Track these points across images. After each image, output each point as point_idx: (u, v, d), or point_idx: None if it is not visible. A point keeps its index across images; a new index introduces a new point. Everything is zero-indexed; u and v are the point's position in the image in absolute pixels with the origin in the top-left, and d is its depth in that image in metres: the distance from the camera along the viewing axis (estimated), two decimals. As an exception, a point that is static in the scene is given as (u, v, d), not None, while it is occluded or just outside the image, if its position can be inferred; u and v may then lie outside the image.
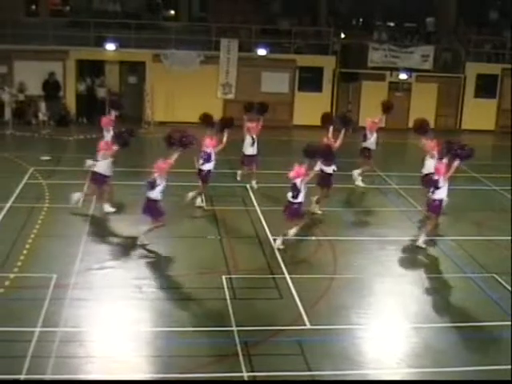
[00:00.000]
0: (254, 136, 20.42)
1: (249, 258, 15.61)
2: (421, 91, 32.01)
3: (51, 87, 29.56)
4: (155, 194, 15.48)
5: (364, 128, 21.82)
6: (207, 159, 18.36)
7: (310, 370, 11.00)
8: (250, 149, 20.49)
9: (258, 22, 32.32)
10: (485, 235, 17.72)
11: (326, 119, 19.77)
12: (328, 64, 31.42)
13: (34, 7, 34.20)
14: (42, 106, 29.20)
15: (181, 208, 18.12)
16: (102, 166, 17.57)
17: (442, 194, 16.25)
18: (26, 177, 20.71)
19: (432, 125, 31.43)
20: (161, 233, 16.05)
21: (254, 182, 20.65)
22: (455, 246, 16.79)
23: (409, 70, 31.73)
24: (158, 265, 14.99)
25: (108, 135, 19.81)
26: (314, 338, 12.11)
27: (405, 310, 13.47)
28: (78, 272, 14.15)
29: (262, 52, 30.66)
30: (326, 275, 14.84)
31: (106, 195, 18.02)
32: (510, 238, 17.33)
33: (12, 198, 18.63)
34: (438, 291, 14.43)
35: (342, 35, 32.99)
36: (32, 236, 16.02)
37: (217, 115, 29.92)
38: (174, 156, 15.82)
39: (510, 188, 21.61)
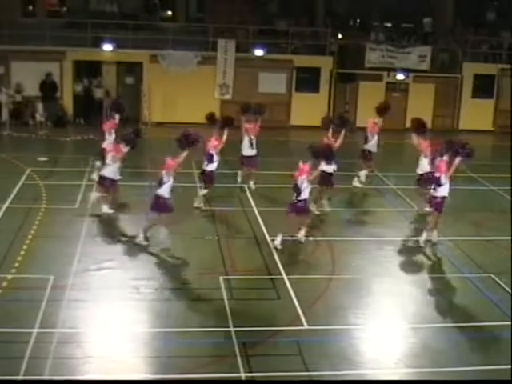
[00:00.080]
0: (253, 137, 20.39)
1: (246, 259, 15.61)
2: (418, 91, 32.03)
3: (48, 88, 29.54)
4: (162, 190, 15.58)
5: (361, 128, 21.82)
6: (210, 160, 18.45)
7: (307, 371, 11.00)
8: (248, 150, 20.46)
9: (255, 23, 32.30)
10: (483, 235, 17.72)
11: (326, 123, 19.76)
12: (325, 64, 31.42)
13: (30, 8, 34.13)
14: (39, 106, 29.19)
15: (178, 208, 18.08)
16: (111, 169, 17.55)
17: (444, 191, 16.33)
18: (24, 178, 20.68)
19: (429, 125, 31.57)
20: (158, 233, 16.05)
21: (251, 183, 20.64)
22: (453, 246, 16.79)
23: (406, 71, 31.74)
24: (156, 265, 14.97)
25: (110, 138, 19.69)
26: (312, 338, 12.11)
27: (403, 310, 13.48)
28: (75, 273, 14.14)
29: (259, 52, 30.65)
30: (323, 275, 14.84)
31: (109, 197, 17.99)
32: (508, 238, 17.35)
33: (9, 199, 18.60)
34: (436, 291, 14.44)
35: (339, 36, 33.02)
36: (29, 237, 15.99)
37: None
38: (183, 155, 15.96)
39: (508, 188, 21.62)
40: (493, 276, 14.98)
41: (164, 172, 15.55)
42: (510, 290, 14.28)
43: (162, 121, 29.56)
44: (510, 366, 11.20)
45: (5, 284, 13.49)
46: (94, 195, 17.99)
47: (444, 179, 16.19)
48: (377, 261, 15.85)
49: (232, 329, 12.11)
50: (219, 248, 16.04)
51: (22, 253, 15.02)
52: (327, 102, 31.61)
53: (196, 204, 18.63)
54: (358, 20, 38.23)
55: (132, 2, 35.21)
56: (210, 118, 19.37)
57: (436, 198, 16.41)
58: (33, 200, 18.67)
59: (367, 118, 22.79)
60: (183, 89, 29.94)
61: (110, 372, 10.63)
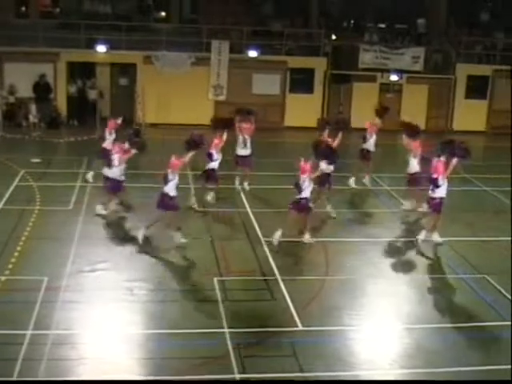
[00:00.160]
0: (247, 136, 20.38)
1: (241, 260, 15.60)
2: (412, 92, 32.07)
3: (42, 89, 29.48)
4: (168, 188, 15.70)
5: (356, 129, 21.84)
6: (210, 158, 18.64)
7: (302, 372, 10.99)
8: (242, 150, 20.44)
9: (249, 24, 32.27)
10: (477, 236, 17.74)
11: (322, 124, 19.79)
12: (319, 65, 31.43)
13: (23, 9, 34.01)
14: (33, 108, 29.11)
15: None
16: (117, 171, 17.54)
17: (442, 192, 16.37)
18: (17, 179, 20.63)
19: (423, 126, 31.61)
20: (152, 234, 16.05)
21: (246, 184, 20.63)
22: (447, 246, 16.80)
23: (400, 72, 31.75)
24: (150, 267, 14.95)
25: (110, 138, 19.80)
26: (307, 339, 12.12)
27: (397, 310, 13.48)
28: (69, 274, 14.11)
29: (253, 54, 30.63)
30: (318, 276, 14.84)
31: (103, 199, 17.97)
32: (502, 238, 17.41)
33: (3, 201, 18.56)
34: (430, 292, 14.46)
35: (333, 37, 33.01)
36: (23, 238, 15.96)
37: (208, 117, 30.03)
38: (189, 155, 16.14)
39: (501, 189, 21.69)
40: (487, 277, 15.00)
41: (169, 170, 15.66)
42: (503, 291, 14.30)
43: (155, 122, 29.53)
44: (504, 366, 11.25)
45: (-2, 285, 13.49)
46: (112, 204, 18.00)
47: (441, 180, 16.23)
48: (371, 261, 15.86)
49: (226, 330, 12.10)
50: (213, 249, 16.03)
51: (16, 254, 14.99)
52: (321, 103, 31.62)
53: (190, 204, 18.62)
54: (352, 21, 38.22)
55: (126, 3, 35.14)
56: (216, 122, 19.60)
57: (434, 199, 16.44)
58: (26, 201, 18.63)
59: (361, 118, 22.82)
60: (177, 90, 29.91)
61: (104, 373, 10.60)
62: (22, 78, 29.11)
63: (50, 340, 11.47)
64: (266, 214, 18.34)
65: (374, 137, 21.22)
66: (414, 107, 30.84)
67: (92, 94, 30.20)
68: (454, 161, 16.30)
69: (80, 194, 19.45)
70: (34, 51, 28.94)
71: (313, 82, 31.56)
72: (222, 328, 12.18)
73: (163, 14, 36.59)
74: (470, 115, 32.21)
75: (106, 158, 19.56)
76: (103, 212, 17.72)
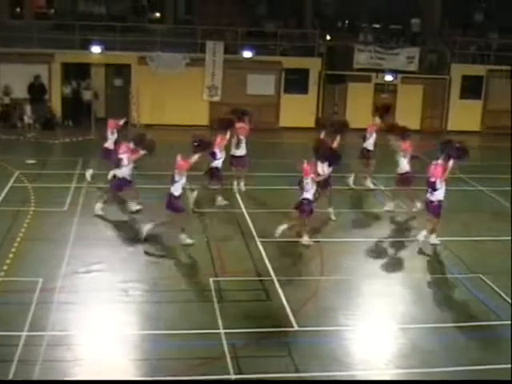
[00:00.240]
0: (241, 137, 20.33)
1: (236, 260, 15.60)
2: (406, 93, 32.08)
3: (37, 90, 29.42)
4: (174, 189, 15.79)
5: (351, 129, 21.83)
6: (213, 157, 18.69)
7: (298, 372, 11.00)
8: (236, 150, 20.42)
9: (244, 25, 32.26)
10: (472, 236, 17.76)
11: (324, 123, 19.80)
12: (314, 66, 31.44)
13: (18, 10, 33.99)
14: (28, 109, 29.07)
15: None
16: (126, 171, 17.61)
17: (440, 195, 16.35)
18: (12, 180, 20.60)
19: (418, 126, 31.76)
20: (147, 234, 16.05)
21: (242, 184, 20.60)
22: (442, 246, 16.80)
23: (394, 72, 31.76)
24: (145, 267, 14.94)
25: (112, 138, 19.91)
26: (302, 339, 12.12)
27: (392, 310, 13.50)
28: (64, 275, 14.09)
29: (247, 54, 30.61)
30: (313, 277, 14.86)
31: (105, 197, 18.00)
32: (497, 238, 17.44)
33: (-3, 202, 18.57)
34: (426, 292, 14.47)
35: (328, 37, 33.00)
36: (18, 240, 15.93)
37: (203, 117, 30.20)
38: (195, 157, 16.19)
39: (496, 189, 21.75)
40: (482, 276, 15.02)
41: (176, 171, 15.72)
42: (498, 290, 14.32)
43: (150, 123, 29.49)
44: (500, 366, 11.28)
45: (-6, 287, 13.46)
46: (131, 205, 18.07)
47: (439, 184, 16.22)
48: (367, 262, 15.88)
49: (222, 330, 12.10)
50: (209, 249, 16.02)
51: (11, 255, 14.96)
52: (316, 104, 31.64)
53: (191, 197, 18.63)
54: (347, 21, 38.26)
55: (120, 3, 35.13)
56: (220, 122, 19.58)
57: (432, 202, 16.42)
58: (21, 203, 18.59)
59: (356, 118, 22.80)
60: (172, 91, 29.89)
61: (99, 375, 10.58)
62: (16, 78, 29.06)
63: (46, 341, 11.46)
64: (262, 215, 18.34)
65: (374, 136, 21.18)
66: (409, 107, 30.89)
67: (87, 95, 30.15)
68: (451, 162, 16.31)
69: (75, 195, 19.43)
70: (29, 52, 28.88)
71: (307, 83, 31.56)
72: (218, 328, 12.17)
73: (158, 14, 36.61)
74: (464, 115, 32.25)
75: (107, 158, 19.70)
76: (101, 213, 17.68)
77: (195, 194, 18.61)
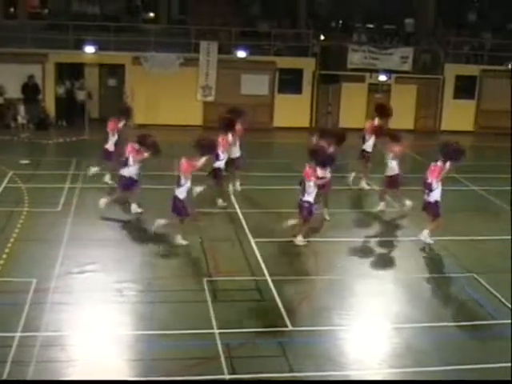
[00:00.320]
0: (236, 138, 20.25)
1: (230, 260, 15.59)
2: (400, 93, 32.09)
3: (30, 90, 29.36)
4: (179, 192, 15.81)
5: (345, 129, 21.86)
6: (216, 158, 18.67)
7: (292, 372, 11.00)
8: (231, 151, 20.35)
9: (238, 25, 32.26)
10: (466, 235, 17.77)
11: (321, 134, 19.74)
12: (308, 66, 31.46)
13: (12, 10, 33.97)
14: (21, 109, 29.00)
15: (161, 210, 18.12)
16: (132, 170, 17.67)
17: (436, 195, 16.42)
18: (5, 180, 20.55)
19: (411, 126, 31.84)
20: (140, 235, 16.04)
21: (237, 184, 20.57)
22: (436, 246, 16.83)
23: (388, 72, 31.77)
24: (139, 268, 14.92)
25: (113, 139, 20.02)
26: (296, 339, 12.13)
27: (386, 310, 13.51)
28: (58, 276, 14.07)
29: (241, 54, 30.60)
30: (307, 276, 14.88)
31: (115, 196, 18.06)
32: (491, 237, 17.50)
33: (-9, 202, 18.53)
34: (419, 291, 14.48)
35: (322, 37, 33.01)
36: (11, 240, 15.89)
37: (197, 118, 30.21)
38: (202, 160, 16.25)
39: (489, 188, 21.82)
40: (476, 276, 15.05)
41: (182, 175, 15.74)
42: (492, 290, 14.35)
43: (144, 123, 29.42)
44: (496, 365, 11.32)
45: (-13, 288, 13.43)
46: (133, 207, 18.03)
47: (435, 184, 16.30)
48: (361, 261, 15.90)
49: (216, 330, 12.10)
50: (203, 250, 16.01)
51: (4, 256, 14.93)
52: (310, 104, 31.66)
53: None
54: (341, 21, 38.31)
55: (114, 3, 35.12)
56: (225, 123, 19.57)
57: (430, 203, 16.50)
58: (15, 203, 18.56)
59: (350, 118, 22.83)
60: (166, 91, 29.88)
61: (94, 375, 10.57)
62: (10, 79, 28.98)
63: (39, 342, 11.44)
64: (256, 215, 18.34)
65: (373, 138, 21.17)
66: (403, 107, 30.83)
67: (80, 95, 30.10)
68: (448, 164, 16.38)
69: (69, 195, 19.41)
70: (23, 52, 28.84)
71: (301, 83, 31.58)
72: (212, 329, 12.17)
73: (152, 14, 36.63)
74: (458, 115, 32.32)
75: (108, 159, 19.75)
76: (102, 207, 17.68)
77: (201, 188, 18.62)
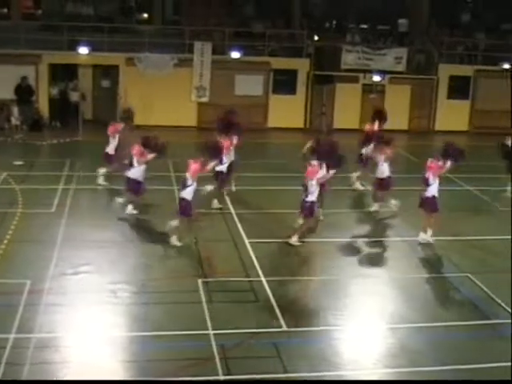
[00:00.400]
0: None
1: (224, 261, 15.57)
2: (394, 93, 32.13)
3: (24, 91, 29.28)
4: (186, 193, 15.86)
5: (339, 130, 21.91)
6: (220, 161, 18.54)
7: (286, 372, 11.00)
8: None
9: (232, 25, 32.26)
10: (460, 235, 17.79)
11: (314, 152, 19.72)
12: (302, 66, 31.47)
13: (5, 10, 33.90)
14: (15, 110, 28.94)
15: (156, 211, 18.12)
16: (137, 172, 17.69)
17: (433, 190, 16.60)
18: (-1, 182, 20.55)
19: (405, 126, 31.89)
20: (134, 236, 16.01)
21: (233, 185, 20.53)
22: (431, 246, 16.86)
23: (382, 72, 31.79)
24: (133, 269, 14.90)
25: (114, 142, 20.22)
26: (291, 339, 12.12)
27: (381, 310, 13.51)
28: (52, 277, 14.04)
29: (235, 55, 30.60)
30: (302, 277, 14.87)
31: (138, 198, 18.06)
32: (485, 237, 17.52)
33: (-15, 204, 18.47)
34: (414, 291, 14.48)
35: (316, 38, 33.04)
36: (5, 241, 15.85)
37: (191, 118, 30.20)
38: (212, 164, 16.64)
39: (483, 188, 21.85)
40: (470, 276, 15.07)
41: (189, 176, 15.78)
42: (487, 290, 14.37)
43: (138, 124, 29.33)
44: (495, 364, 11.34)
45: (-19, 289, 13.39)
46: (129, 208, 18.01)
47: (432, 179, 16.43)
48: (356, 262, 15.91)
49: (210, 331, 12.08)
50: (197, 251, 16.00)
51: (-2, 257, 14.92)
52: (304, 104, 31.67)
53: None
54: (334, 22, 38.36)
55: (108, 4, 35.09)
56: (226, 123, 19.74)
57: (427, 198, 16.60)
58: (9, 204, 18.51)
59: (344, 119, 22.82)
60: (160, 91, 29.84)
61: (88, 377, 10.54)
62: (3, 80, 28.86)
63: (34, 343, 11.41)
64: (250, 215, 18.33)
65: (373, 142, 21.15)
66: (397, 107, 30.87)
67: (74, 96, 30.04)
68: (449, 164, 16.52)
69: (63, 196, 19.37)
70: (16, 53, 28.78)
71: (296, 83, 31.59)
72: (207, 329, 12.16)
73: (145, 15, 36.60)
74: (452, 115, 32.36)
75: (109, 162, 19.76)
76: (134, 212, 17.77)
77: (211, 187, 18.63)
